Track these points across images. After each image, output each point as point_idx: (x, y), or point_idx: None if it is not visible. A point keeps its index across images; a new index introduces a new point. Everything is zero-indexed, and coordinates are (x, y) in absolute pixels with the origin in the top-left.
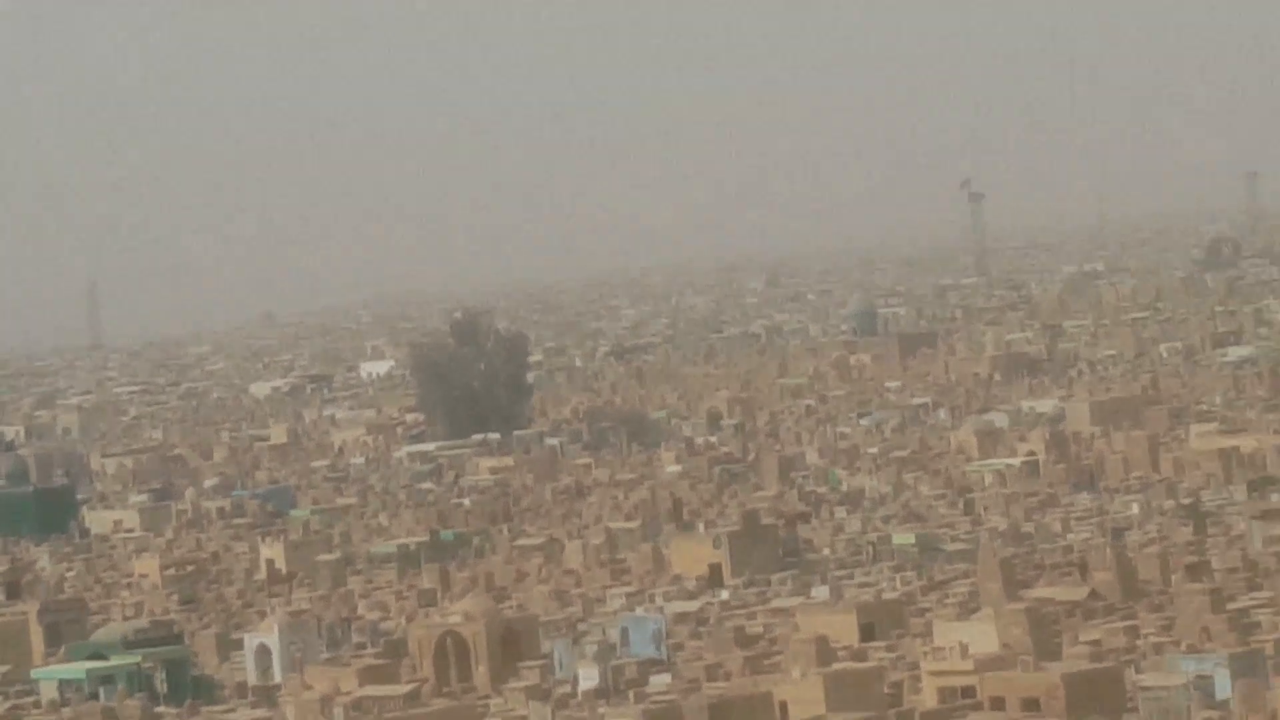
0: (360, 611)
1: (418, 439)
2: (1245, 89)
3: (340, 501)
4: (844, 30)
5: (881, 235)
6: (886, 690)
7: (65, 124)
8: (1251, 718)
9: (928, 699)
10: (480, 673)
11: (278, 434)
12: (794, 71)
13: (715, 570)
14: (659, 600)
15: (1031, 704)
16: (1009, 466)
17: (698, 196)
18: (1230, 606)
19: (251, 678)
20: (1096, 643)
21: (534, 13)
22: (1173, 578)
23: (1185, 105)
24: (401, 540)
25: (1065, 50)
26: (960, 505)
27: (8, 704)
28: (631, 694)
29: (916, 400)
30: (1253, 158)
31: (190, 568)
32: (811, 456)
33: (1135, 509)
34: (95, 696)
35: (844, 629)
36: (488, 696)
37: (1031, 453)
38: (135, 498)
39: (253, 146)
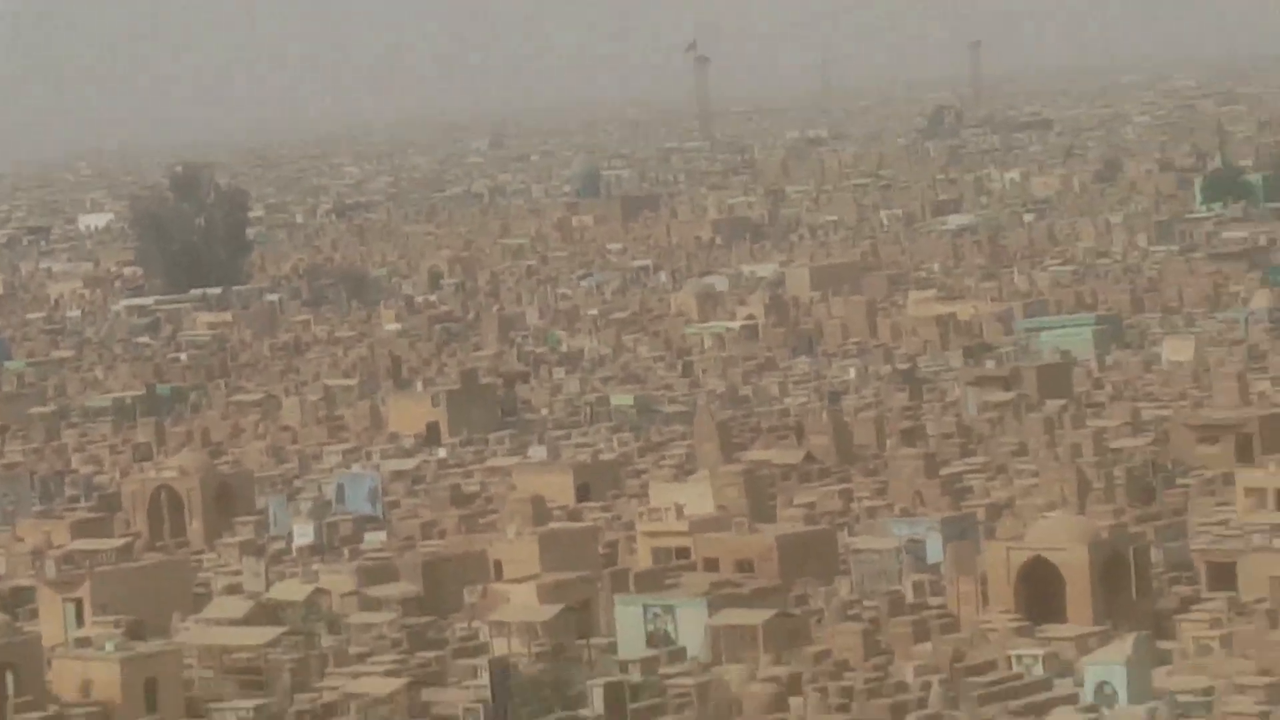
0: (74, 465)
1: (136, 293)
2: None
3: (56, 354)
4: None
5: (607, 97)
6: (601, 550)
7: None
8: (961, 580)
9: (642, 559)
10: (194, 528)
11: None
12: None
13: (433, 429)
14: (375, 458)
15: (745, 565)
16: (728, 330)
17: (420, 54)
18: (943, 471)
19: None
20: (811, 505)
21: None
22: (887, 442)
23: None
24: (117, 394)
25: None
26: (679, 367)
27: None
28: (346, 551)
29: (637, 262)
30: (975, 28)
31: None
32: (532, 317)
33: (852, 374)
34: None
35: (560, 489)
36: (201, 551)
37: (751, 316)
38: None
39: None
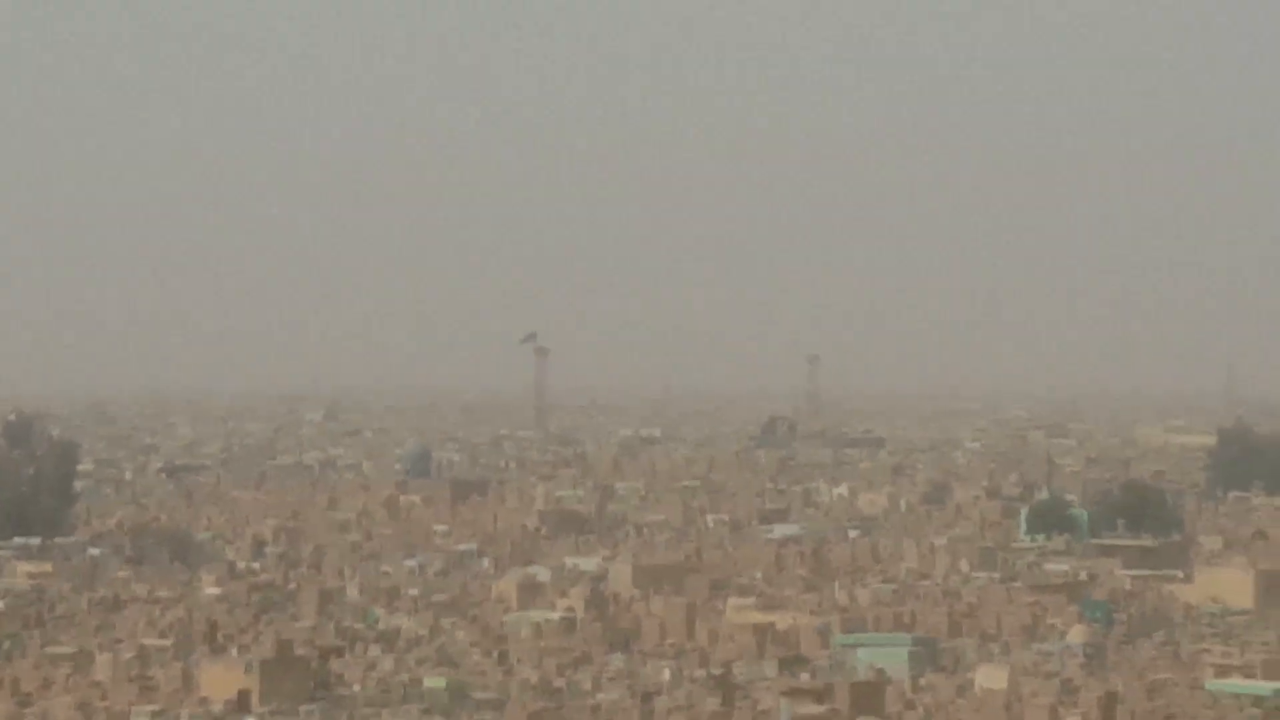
0: None
1: None
2: (809, 275)
3: None
4: (416, 170)
5: (446, 381)
6: None
7: None
8: None
9: None
10: None
11: None
12: (367, 210)
13: (244, 696)
14: None
15: None
16: (547, 620)
17: (263, 325)
18: None
19: None
20: None
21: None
22: None
23: (757, 288)
24: None
25: (658, 224)
26: (495, 654)
27: None
28: None
29: (462, 546)
30: (815, 343)
31: None
32: (352, 592)
33: (667, 674)
34: None
35: None
36: None
37: (570, 609)
38: None
39: None
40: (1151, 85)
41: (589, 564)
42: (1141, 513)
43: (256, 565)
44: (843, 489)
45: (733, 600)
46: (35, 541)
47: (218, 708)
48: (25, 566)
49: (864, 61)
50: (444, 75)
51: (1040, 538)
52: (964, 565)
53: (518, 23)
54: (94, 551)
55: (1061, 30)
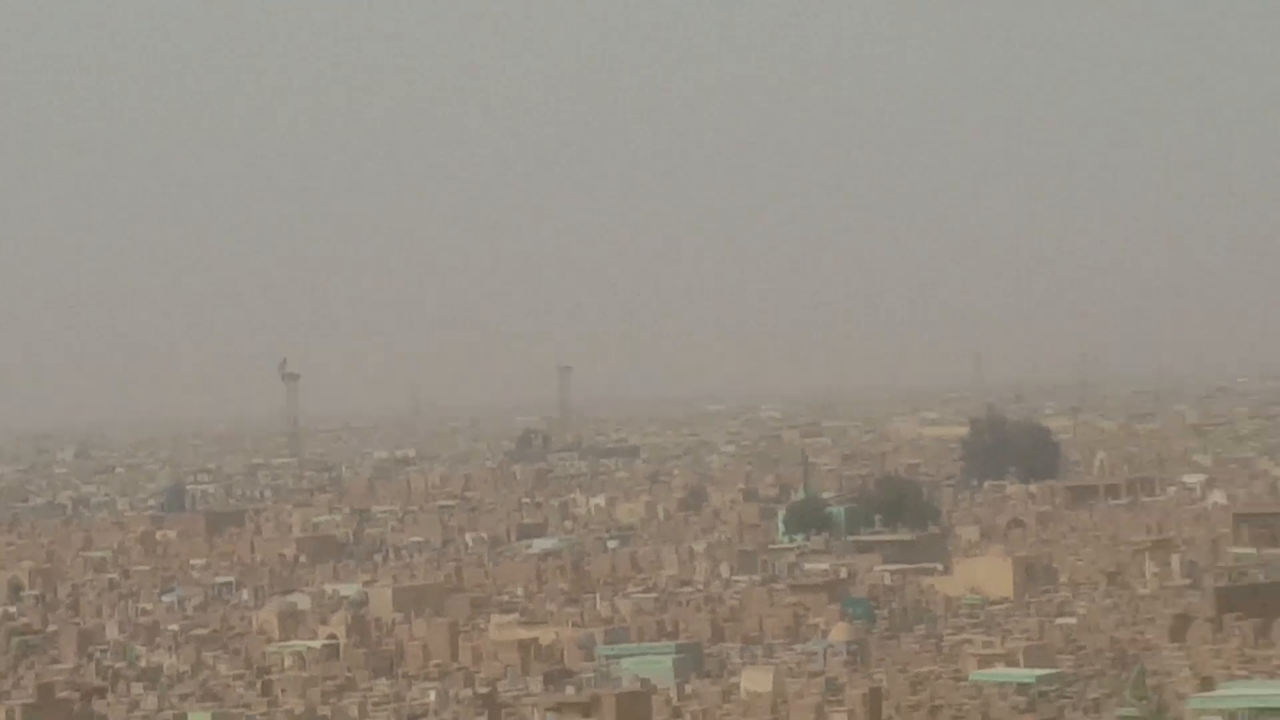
0: None
1: None
2: (555, 286)
3: None
4: (152, 195)
5: (196, 413)
6: None
7: None
8: None
9: None
10: None
11: None
12: (105, 237)
13: None
14: None
15: None
16: (309, 649)
17: (5, 361)
18: None
19: None
20: None
21: None
22: None
23: (502, 301)
24: None
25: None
26: (258, 686)
27: None
28: None
29: (220, 579)
30: (565, 354)
31: None
32: (112, 631)
33: (432, 697)
34: None
35: None
36: None
37: (333, 636)
38: None
39: None
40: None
41: (349, 589)
42: (898, 507)
43: (14, 609)
44: (600, 499)
45: (495, 618)
46: None
47: None
48: None
49: (557, 80)
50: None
51: (799, 538)
52: (724, 569)
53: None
54: None
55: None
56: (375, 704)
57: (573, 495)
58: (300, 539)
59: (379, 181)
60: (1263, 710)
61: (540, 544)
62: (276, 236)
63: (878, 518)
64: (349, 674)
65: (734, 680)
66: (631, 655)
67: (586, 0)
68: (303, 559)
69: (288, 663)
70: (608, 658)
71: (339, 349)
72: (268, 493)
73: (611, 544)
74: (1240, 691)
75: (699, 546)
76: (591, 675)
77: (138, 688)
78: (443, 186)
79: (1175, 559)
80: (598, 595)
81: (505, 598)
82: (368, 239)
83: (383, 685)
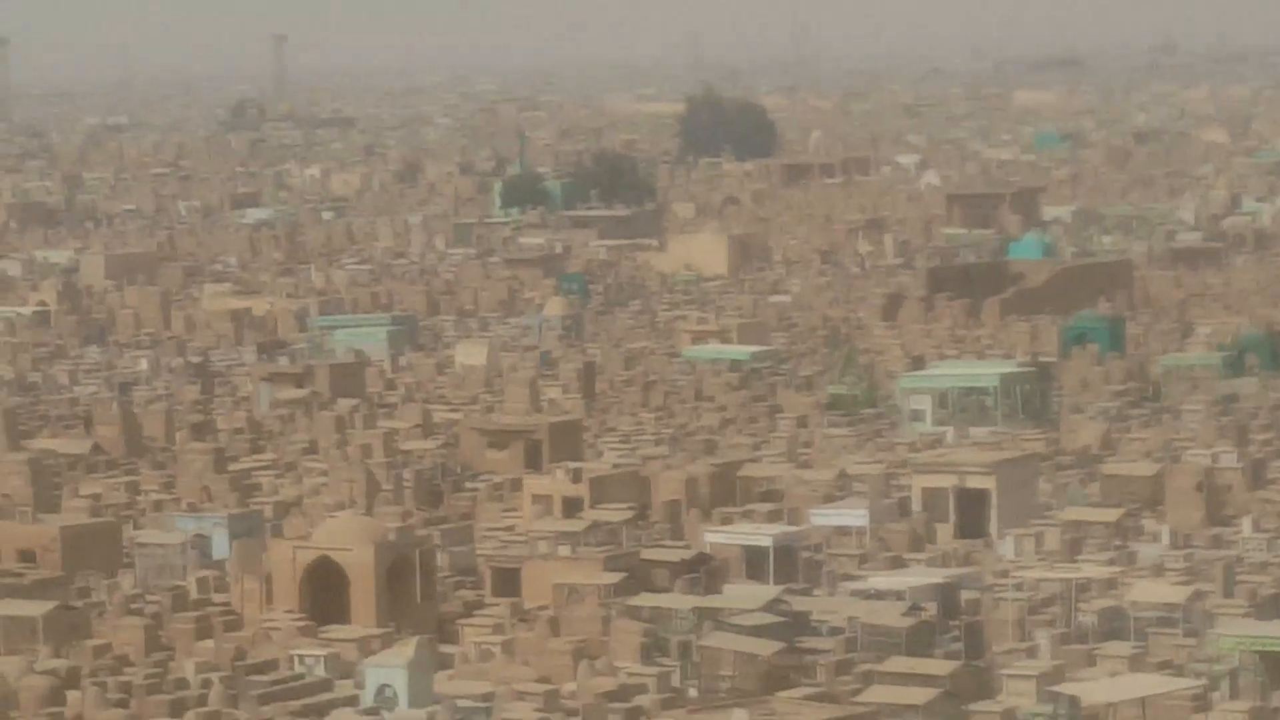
0: None
1: None
2: None
3: None
4: None
5: None
6: None
7: None
8: (246, 578)
9: None
10: None
11: None
12: None
13: None
14: None
15: (28, 555)
16: (19, 315)
17: None
18: (232, 467)
19: None
20: (97, 497)
21: None
22: (177, 436)
23: None
24: None
25: None
26: None
27: None
28: None
29: None
30: (280, 22)
31: None
32: None
33: (144, 365)
34: None
35: None
36: None
37: (43, 303)
38: None
39: None
40: None
41: (60, 256)
42: (614, 183)
43: None
44: (315, 170)
45: (208, 287)
46: None
47: None
48: None
49: None
50: None
51: (515, 212)
52: (439, 243)
53: None
54: None
55: None
56: (86, 371)
57: (287, 165)
58: (10, 205)
59: None
60: (971, 390)
61: (254, 214)
62: None
63: (594, 193)
64: (60, 341)
65: (449, 353)
66: (346, 327)
67: None
68: (12, 225)
69: None
70: (322, 329)
71: (50, 13)
72: None
73: (326, 215)
74: (949, 371)
75: (414, 219)
76: (305, 346)
77: None
78: None
79: (888, 239)
80: (312, 266)
81: (218, 267)
82: None
83: (94, 352)
